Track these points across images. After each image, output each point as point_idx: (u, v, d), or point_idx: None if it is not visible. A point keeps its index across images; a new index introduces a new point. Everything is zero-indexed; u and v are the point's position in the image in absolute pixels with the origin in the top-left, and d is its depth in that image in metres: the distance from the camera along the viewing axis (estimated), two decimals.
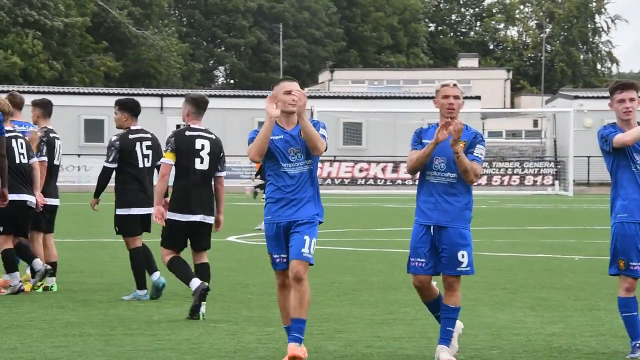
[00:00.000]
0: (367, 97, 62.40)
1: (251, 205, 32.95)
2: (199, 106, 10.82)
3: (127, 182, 11.79)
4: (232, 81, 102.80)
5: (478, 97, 62.42)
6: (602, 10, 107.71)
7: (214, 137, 10.82)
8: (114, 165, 11.75)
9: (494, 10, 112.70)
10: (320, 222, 8.15)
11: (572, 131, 51.40)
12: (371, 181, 53.57)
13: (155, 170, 11.92)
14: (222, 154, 10.83)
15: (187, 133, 10.64)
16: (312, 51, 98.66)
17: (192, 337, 9.35)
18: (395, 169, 53.15)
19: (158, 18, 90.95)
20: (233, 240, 20.68)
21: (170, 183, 10.64)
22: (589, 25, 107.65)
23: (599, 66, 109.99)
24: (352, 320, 10.43)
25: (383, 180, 53.78)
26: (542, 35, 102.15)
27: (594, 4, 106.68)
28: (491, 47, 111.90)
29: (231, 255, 17.69)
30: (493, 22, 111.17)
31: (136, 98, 11.71)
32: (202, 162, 10.61)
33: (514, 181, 54.24)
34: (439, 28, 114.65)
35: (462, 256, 8.26)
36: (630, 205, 8.35)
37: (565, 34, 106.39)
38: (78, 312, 10.85)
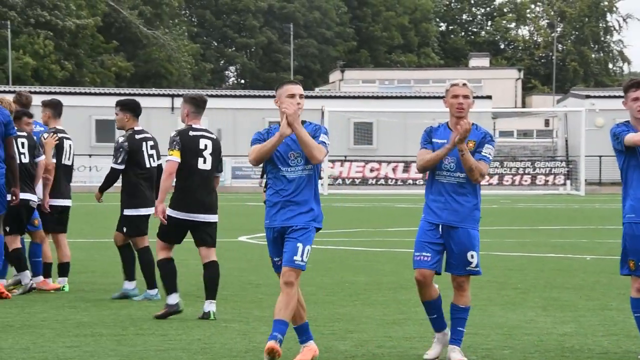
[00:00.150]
0: (377, 97, 62.37)
1: (261, 206, 32.94)
2: (198, 105, 10.86)
3: (135, 183, 11.82)
4: (242, 81, 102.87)
5: (489, 97, 62.34)
6: (614, 9, 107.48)
7: (215, 137, 10.93)
8: (123, 167, 11.78)
9: (505, 10, 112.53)
10: (318, 229, 8.07)
11: (583, 130, 51.30)
12: (382, 181, 53.55)
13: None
14: (221, 155, 10.90)
15: (191, 133, 10.68)
16: (323, 51, 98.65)
17: (204, 337, 9.36)
18: (406, 169, 53.13)
19: (169, 18, 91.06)
20: (244, 240, 20.70)
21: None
22: (601, 25, 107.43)
23: (610, 65, 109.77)
24: (364, 320, 10.43)
25: (394, 180, 53.75)
26: (553, 34, 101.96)
27: (606, 2, 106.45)
28: (502, 46, 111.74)
29: (242, 255, 17.71)
30: (504, 22, 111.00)
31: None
32: (205, 162, 10.67)
33: (526, 181, 54.16)
34: (450, 27, 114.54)
35: (472, 256, 8.26)
36: (637, 205, 8.31)
37: (577, 33, 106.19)
38: (90, 312, 10.87)
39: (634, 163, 8.39)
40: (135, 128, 11.96)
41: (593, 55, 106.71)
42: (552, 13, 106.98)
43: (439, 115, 49.33)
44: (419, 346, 8.96)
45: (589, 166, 53.11)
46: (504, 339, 9.37)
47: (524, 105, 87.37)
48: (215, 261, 10.73)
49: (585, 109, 54.67)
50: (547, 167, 54.78)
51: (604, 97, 61.35)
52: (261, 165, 8.55)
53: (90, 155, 53.43)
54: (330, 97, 62.59)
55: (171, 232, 10.56)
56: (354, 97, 62.06)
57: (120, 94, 56.97)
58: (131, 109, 12.02)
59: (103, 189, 12.04)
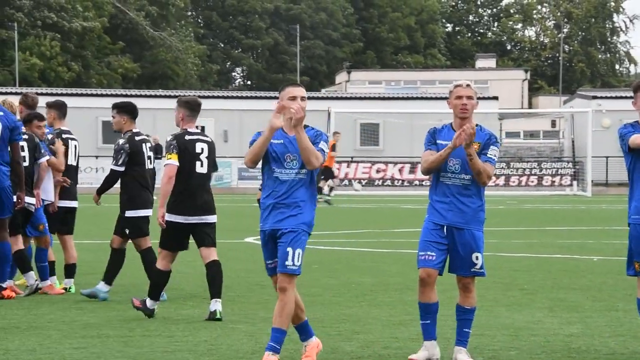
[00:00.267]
0: (384, 98, 62.34)
1: None
2: (192, 109, 10.88)
3: (136, 184, 11.83)
4: (249, 82, 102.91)
5: (496, 98, 62.27)
6: (620, 9, 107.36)
7: (210, 140, 10.98)
8: (123, 169, 11.79)
9: (511, 11, 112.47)
10: (308, 233, 8.00)
11: (590, 131, 51.21)
12: (388, 182, 53.52)
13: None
14: (215, 157, 10.98)
15: (187, 137, 10.73)
16: (329, 52, 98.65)
17: (210, 339, 9.37)
18: (412, 170, 53.09)
19: (175, 20, 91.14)
20: (250, 242, 20.71)
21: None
22: (607, 25, 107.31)
23: (617, 66, 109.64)
24: (370, 321, 10.43)
25: (400, 181, 53.73)
26: (559, 35, 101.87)
27: (612, 3, 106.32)
28: (509, 47, 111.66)
29: (249, 256, 17.71)
30: (510, 23, 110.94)
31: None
32: (202, 166, 10.74)
33: (532, 182, 54.09)
34: (457, 28, 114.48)
35: (476, 258, 8.26)
36: None
37: (583, 33, 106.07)
38: (97, 314, 10.88)
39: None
40: (134, 130, 11.99)
41: (600, 56, 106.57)
42: (559, 14, 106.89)
43: (446, 116, 49.23)
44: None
45: (596, 167, 53.02)
46: (510, 340, 9.37)
47: (530, 106, 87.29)
48: (216, 260, 10.75)
49: (592, 109, 54.59)
50: (554, 167, 54.71)
51: (611, 97, 61.26)
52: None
53: (96, 157, 53.47)
54: (337, 98, 62.57)
55: (173, 238, 10.58)
56: (360, 98, 62.04)
57: (126, 96, 57.00)
58: (128, 111, 12.06)
59: (101, 191, 12.05)
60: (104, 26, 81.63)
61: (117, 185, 12.01)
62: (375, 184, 53.46)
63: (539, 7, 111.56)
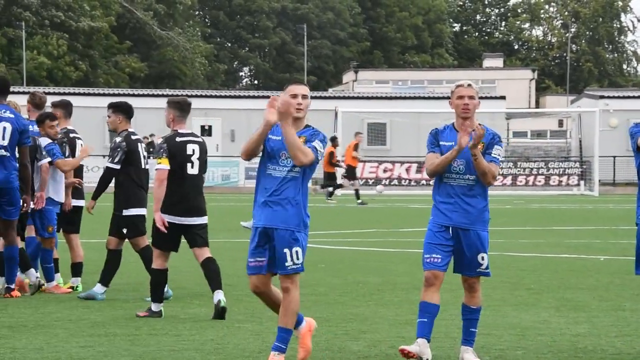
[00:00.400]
0: (391, 98, 62.31)
1: None
2: (183, 109, 10.90)
3: (132, 183, 11.84)
4: (256, 82, 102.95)
5: (503, 97, 62.21)
6: (628, 9, 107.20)
7: (201, 141, 10.98)
8: (119, 167, 11.79)
9: (519, 10, 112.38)
10: (304, 232, 7.94)
11: (597, 131, 51.13)
12: (395, 181, 53.50)
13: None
14: (206, 157, 10.99)
15: (178, 139, 10.74)
16: (336, 52, 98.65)
17: (217, 338, 9.38)
18: (419, 170, 53.05)
19: (183, 19, 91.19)
20: None
21: None
22: (615, 25, 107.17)
23: (624, 66, 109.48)
24: (377, 321, 10.43)
25: (407, 181, 53.71)
26: (567, 34, 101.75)
27: (620, 3, 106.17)
28: (516, 47, 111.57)
29: None
30: (518, 22, 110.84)
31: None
32: (192, 167, 10.77)
33: (539, 181, 54.03)
34: (464, 28, 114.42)
35: (482, 258, 8.25)
36: None
37: (591, 33, 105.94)
38: (103, 312, 10.90)
39: None
40: (129, 129, 12.02)
41: (607, 56, 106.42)
42: (566, 13, 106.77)
43: (452, 116, 49.15)
44: (431, 346, 8.93)
45: (603, 166, 52.94)
46: (517, 340, 9.36)
47: (537, 105, 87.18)
48: (210, 257, 10.80)
49: (599, 109, 54.50)
50: (561, 167, 54.64)
51: (618, 97, 61.18)
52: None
53: (103, 156, 53.49)
54: (344, 97, 62.56)
55: (166, 238, 10.59)
56: (367, 98, 62.02)
57: (134, 95, 57.09)
58: (124, 110, 12.09)
59: (98, 194, 11.99)
60: (112, 25, 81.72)
61: (112, 184, 12.01)
62: (382, 183, 53.42)
63: (547, 6, 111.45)
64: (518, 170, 54.32)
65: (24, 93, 44.26)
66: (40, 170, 12.44)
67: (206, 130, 57.87)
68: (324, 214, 31.53)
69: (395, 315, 10.79)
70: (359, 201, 37.45)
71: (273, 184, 7.88)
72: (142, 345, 8.96)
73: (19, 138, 11.93)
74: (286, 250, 7.87)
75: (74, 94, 55.40)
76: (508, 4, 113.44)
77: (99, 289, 11.93)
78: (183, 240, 10.87)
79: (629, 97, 61.34)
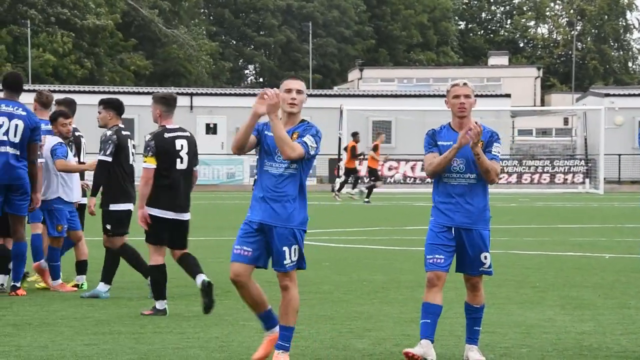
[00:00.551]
0: (396, 96, 62.29)
1: None
2: (169, 104, 10.91)
3: (120, 179, 11.84)
4: (261, 80, 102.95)
5: (508, 95, 62.17)
6: (634, 6, 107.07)
7: (189, 135, 10.99)
8: (111, 159, 11.80)
9: (524, 8, 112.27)
10: (302, 230, 7.88)
11: (602, 129, 51.08)
12: (400, 179, 53.49)
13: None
14: (196, 150, 11.00)
15: (166, 135, 10.76)
16: (342, 50, 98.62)
17: (221, 335, 9.38)
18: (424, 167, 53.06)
19: (189, 17, 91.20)
20: None
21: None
22: (621, 22, 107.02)
23: (630, 64, 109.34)
24: (381, 319, 10.43)
25: (412, 179, 53.70)
26: (572, 32, 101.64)
27: (626, 0, 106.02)
28: (521, 44, 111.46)
29: None
30: (523, 20, 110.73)
31: None
32: (182, 162, 10.80)
33: (544, 179, 53.99)
34: (469, 26, 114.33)
35: (485, 257, 8.24)
36: None
37: (596, 31, 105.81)
38: (108, 310, 10.90)
39: None
40: (120, 125, 12.04)
41: (613, 54, 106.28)
42: (572, 11, 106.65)
43: None
44: (436, 345, 8.92)
45: (608, 164, 52.90)
46: (522, 338, 9.35)
47: (543, 103, 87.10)
48: (188, 252, 10.86)
49: (605, 107, 54.46)
50: (566, 165, 54.60)
51: (624, 95, 61.10)
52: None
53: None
54: (349, 95, 62.54)
55: (160, 232, 10.62)
56: (372, 96, 62.01)
57: (139, 93, 57.15)
58: (114, 107, 12.12)
59: (96, 190, 11.95)
60: (117, 23, 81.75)
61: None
62: (388, 181, 53.41)
63: (552, 4, 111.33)
64: (523, 168, 54.29)
65: (29, 91, 44.27)
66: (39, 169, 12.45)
67: (211, 128, 57.90)
68: (329, 212, 31.53)
69: (400, 313, 10.78)
70: (367, 199, 37.54)
71: (271, 181, 7.83)
72: (146, 344, 8.97)
73: (30, 135, 11.99)
74: (285, 249, 7.83)
75: (80, 92, 55.45)
76: (513, 1, 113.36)
77: (102, 287, 11.94)
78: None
79: (634, 95, 61.24)
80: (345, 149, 40.09)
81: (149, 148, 10.65)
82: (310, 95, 61.20)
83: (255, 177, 8.13)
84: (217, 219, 27.70)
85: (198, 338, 9.25)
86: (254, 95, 63.40)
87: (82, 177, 13.23)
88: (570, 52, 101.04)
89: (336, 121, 52.11)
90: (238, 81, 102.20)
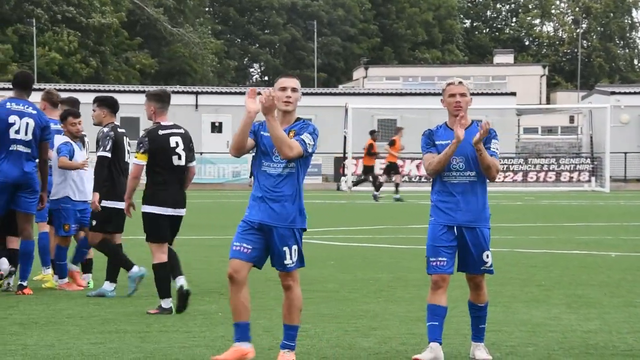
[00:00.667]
0: (401, 94, 62.27)
1: None
2: (163, 101, 10.93)
3: (114, 176, 11.85)
4: (266, 78, 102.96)
5: (513, 94, 62.12)
6: (639, 4, 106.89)
7: (184, 132, 11.00)
8: (110, 155, 11.82)
9: (529, 6, 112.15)
10: (301, 228, 7.87)
11: (608, 127, 51.03)
12: (405, 178, 53.46)
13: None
14: (192, 146, 10.99)
15: (160, 132, 10.76)
16: (347, 48, 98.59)
17: (227, 334, 9.37)
18: None
19: (194, 16, 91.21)
20: None
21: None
22: (626, 20, 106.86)
23: (636, 61, 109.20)
24: (387, 317, 10.43)
25: (417, 177, 53.67)
26: (578, 30, 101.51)
27: None
28: (527, 43, 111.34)
29: None
30: (529, 18, 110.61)
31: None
32: (179, 159, 10.80)
33: (550, 177, 53.94)
34: (474, 24, 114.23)
35: (487, 256, 8.23)
36: None
37: (602, 29, 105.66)
38: (114, 309, 10.91)
39: None
40: (115, 122, 12.06)
41: (619, 51, 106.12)
42: (577, 9, 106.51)
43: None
44: (442, 343, 8.93)
45: (614, 163, 52.84)
46: (528, 336, 9.35)
47: (548, 101, 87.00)
48: (170, 247, 10.91)
49: (611, 105, 54.40)
50: (572, 163, 54.55)
51: (630, 93, 61.02)
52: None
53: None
54: (354, 94, 62.54)
55: (161, 229, 10.65)
56: (377, 94, 62.00)
57: (144, 92, 57.07)
58: (109, 105, 12.14)
59: (99, 187, 11.90)
60: (122, 22, 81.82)
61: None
62: (393, 180, 53.39)
63: (557, 2, 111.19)
64: (529, 167, 54.25)
65: (35, 90, 44.30)
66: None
67: (216, 127, 57.92)
68: (334, 210, 31.54)
69: (406, 312, 10.78)
70: (397, 196, 37.66)
71: (269, 181, 7.80)
72: (152, 342, 8.97)
73: (41, 134, 12.04)
74: (285, 249, 7.82)
75: (85, 90, 55.49)
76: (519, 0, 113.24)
77: (108, 286, 11.96)
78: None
79: None
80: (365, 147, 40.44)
81: (141, 144, 10.66)
82: (315, 94, 61.58)
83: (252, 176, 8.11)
84: (222, 217, 27.71)
85: (204, 337, 9.26)
86: (259, 94, 63.41)
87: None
88: (575, 50, 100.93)
89: (341, 119, 52.09)
90: (243, 80, 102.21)
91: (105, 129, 11.92)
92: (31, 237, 12.13)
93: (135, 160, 10.69)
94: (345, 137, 50.58)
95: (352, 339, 9.17)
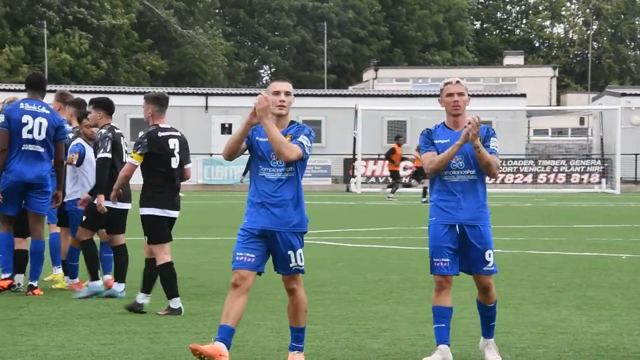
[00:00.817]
0: (411, 96, 62.23)
1: None
2: (161, 104, 10.96)
3: (113, 177, 11.86)
4: None
5: (524, 95, 62.05)
6: None
7: (180, 135, 11.05)
8: (111, 155, 11.84)
9: (540, 8, 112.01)
10: (303, 232, 7.87)
11: (619, 129, 50.94)
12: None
13: None
14: (187, 148, 11.06)
15: (160, 134, 10.79)
16: (357, 50, 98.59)
17: (236, 335, 9.35)
18: None
19: (204, 18, 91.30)
20: None
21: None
22: (637, 22, 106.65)
23: None
24: (397, 319, 10.42)
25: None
26: (588, 32, 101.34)
27: None
28: (537, 44, 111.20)
29: None
30: (539, 20, 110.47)
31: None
32: (177, 161, 10.87)
33: (560, 179, 53.87)
34: (485, 26, 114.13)
35: (489, 255, 8.20)
36: None
37: (613, 30, 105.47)
38: (124, 310, 10.91)
39: None
40: (112, 124, 12.08)
41: (630, 53, 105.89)
42: (588, 10, 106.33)
43: (472, 113, 49.01)
44: (451, 345, 8.91)
45: (625, 164, 52.75)
46: (538, 338, 9.33)
47: (558, 103, 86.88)
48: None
49: (621, 106, 54.30)
50: (582, 165, 54.48)
51: None
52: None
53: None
54: (364, 95, 62.53)
55: (162, 230, 10.70)
56: (387, 96, 61.98)
57: None
58: (105, 106, 12.17)
59: (101, 187, 11.87)
60: (132, 23, 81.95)
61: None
62: (403, 181, 53.36)
63: (568, 3, 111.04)
64: (539, 168, 54.18)
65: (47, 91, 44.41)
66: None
67: (226, 129, 57.94)
68: (343, 212, 31.53)
69: (415, 314, 10.77)
70: (424, 199, 37.75)
71: (269, 186, 7.77)
72: (162, 343, 8.98)
73: (55, 134, 12.08)
74: (290, 252, 7.83)
75: (95, 92, 55.61)
76: (529, 1, 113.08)
77: (117, 287, 11.97)
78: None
79: None
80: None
81: (140, 145, 10.69)
82: (325, 95, 61.56)
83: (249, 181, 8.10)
84: (232, 218, 27.70)
85: (213, 338, 9.24)
86: None
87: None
88: (586, 52, 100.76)
89: (351, 121, 52.09)
90: (253, 81, 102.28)
91: (103, 130, 11.95)
92: (42, 237, 12.16)
93: (131, 159, 10.75)
94: (354, 139, 50.58)
95: (361, 340, 9.16)
